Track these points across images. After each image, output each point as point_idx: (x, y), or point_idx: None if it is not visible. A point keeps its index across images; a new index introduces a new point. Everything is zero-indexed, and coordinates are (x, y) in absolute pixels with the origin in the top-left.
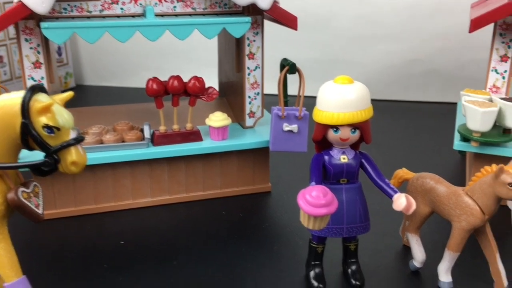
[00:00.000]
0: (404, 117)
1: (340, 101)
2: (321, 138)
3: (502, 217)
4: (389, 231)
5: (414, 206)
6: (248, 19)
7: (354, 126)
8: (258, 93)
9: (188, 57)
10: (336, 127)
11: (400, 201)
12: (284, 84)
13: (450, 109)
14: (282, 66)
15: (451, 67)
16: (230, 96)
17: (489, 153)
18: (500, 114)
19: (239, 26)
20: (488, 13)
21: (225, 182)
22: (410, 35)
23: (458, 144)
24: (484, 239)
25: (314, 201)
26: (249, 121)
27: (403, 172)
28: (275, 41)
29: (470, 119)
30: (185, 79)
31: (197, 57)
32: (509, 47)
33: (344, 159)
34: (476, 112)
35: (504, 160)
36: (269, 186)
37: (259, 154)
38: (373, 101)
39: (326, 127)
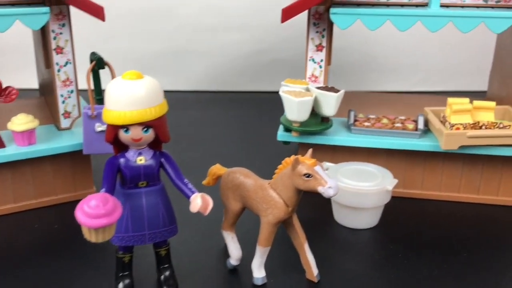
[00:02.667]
0: (252, 108)
1: (128, 98)
2: (112, 139)
3: (321, 205)
4: (212, 232)
5: (210, 205)
6: (46, 9)
7: (145, 125)
8: (72, 91)
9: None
10: (126, 127)
11: (196, 202)
12: (95, 80)
13: None
14: (92, 61)
15: (298, 57)
16: (47, 95)
17: (309, 142)
18: (317, 103)
19: (35, 17)
20: (297, 2)
21: (40, 191)
22: (255, 25)
23: (281, 134)
24: (292, 231)
25: (93, 212)
26: (64, 122)
27: (216, 168)
28: (113, 33)
29: (287, 109)
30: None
31: (16, 58)
32: (323, 36)
33: (141, 160)
34: (292, 102)
35: (326, 148)
36: (93, 191)
37: (79, 157)
38: (222, 93)
39: (117, 127)
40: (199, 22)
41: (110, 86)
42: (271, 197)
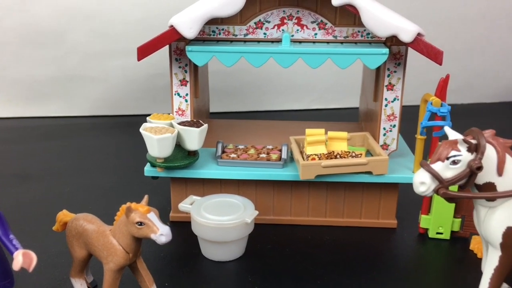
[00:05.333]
0: None
1: None
2: None
3: (191, 240)
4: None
5: (34, 262)
6: None
7: None
8: None
9: None
10: None
11: (17, 259)
12: None
13: None
14: None
15: None
16: None
17: (178, 176)
18: (180, 138)
19: None
20: (152, 41)
21: None
22: None
23: (148, 170)
24: (138, 275)
25: None
26: None
27: (63, 215)
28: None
29: (149, 146)
30: None
31: None
32: (186, 71)
33: None
34: (152, 140)
35: (197, 181)
36: None
37: None
38: (120, 117)
39: None
40: (89, 48)
41: None
42: (111, 244)
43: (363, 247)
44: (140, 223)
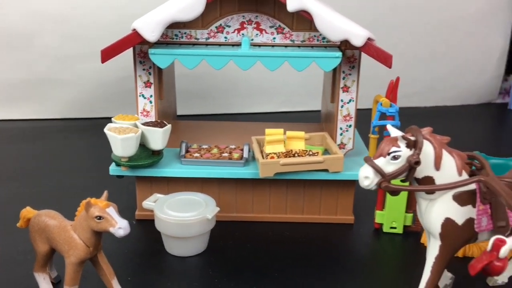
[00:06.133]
0: None
1: None
2: None
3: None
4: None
5: None
6: None
7: None
8: None
9: None
10: None
11: None
12: None
13: None
14: None
15: None
16: None
17: (143, 174)
18: (144, 138)
19: None
20: (114, 44)
21: None
22: None
23: (113, 169)
24: (99, 269)
25: None
26: None
27: (26, 212)
28: None
29: (113, 146)
30: None
31: None
32: (150, 73)
33: None
34: (116, 139)
35: (161, 179)
36: None
37: None
38: (84, 119)
39: None
40: (60, 51)
41: None
42: (72, 238)
43: (321, 242)
44: (99, 217)
